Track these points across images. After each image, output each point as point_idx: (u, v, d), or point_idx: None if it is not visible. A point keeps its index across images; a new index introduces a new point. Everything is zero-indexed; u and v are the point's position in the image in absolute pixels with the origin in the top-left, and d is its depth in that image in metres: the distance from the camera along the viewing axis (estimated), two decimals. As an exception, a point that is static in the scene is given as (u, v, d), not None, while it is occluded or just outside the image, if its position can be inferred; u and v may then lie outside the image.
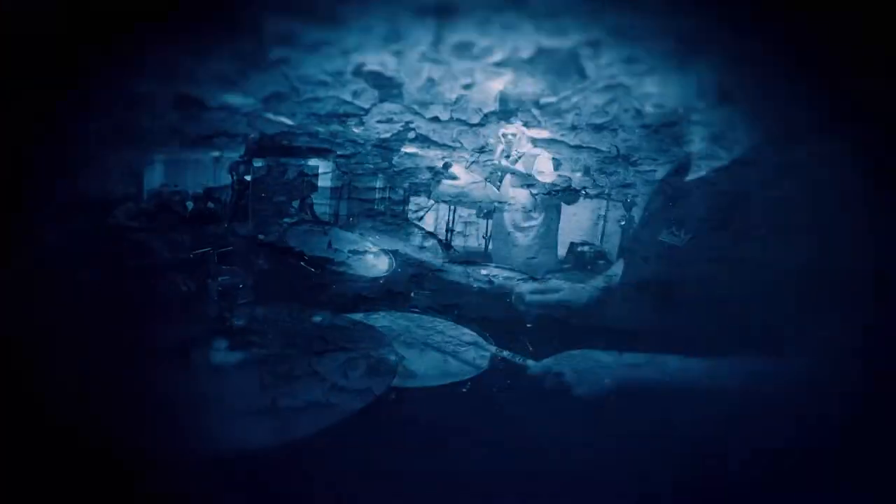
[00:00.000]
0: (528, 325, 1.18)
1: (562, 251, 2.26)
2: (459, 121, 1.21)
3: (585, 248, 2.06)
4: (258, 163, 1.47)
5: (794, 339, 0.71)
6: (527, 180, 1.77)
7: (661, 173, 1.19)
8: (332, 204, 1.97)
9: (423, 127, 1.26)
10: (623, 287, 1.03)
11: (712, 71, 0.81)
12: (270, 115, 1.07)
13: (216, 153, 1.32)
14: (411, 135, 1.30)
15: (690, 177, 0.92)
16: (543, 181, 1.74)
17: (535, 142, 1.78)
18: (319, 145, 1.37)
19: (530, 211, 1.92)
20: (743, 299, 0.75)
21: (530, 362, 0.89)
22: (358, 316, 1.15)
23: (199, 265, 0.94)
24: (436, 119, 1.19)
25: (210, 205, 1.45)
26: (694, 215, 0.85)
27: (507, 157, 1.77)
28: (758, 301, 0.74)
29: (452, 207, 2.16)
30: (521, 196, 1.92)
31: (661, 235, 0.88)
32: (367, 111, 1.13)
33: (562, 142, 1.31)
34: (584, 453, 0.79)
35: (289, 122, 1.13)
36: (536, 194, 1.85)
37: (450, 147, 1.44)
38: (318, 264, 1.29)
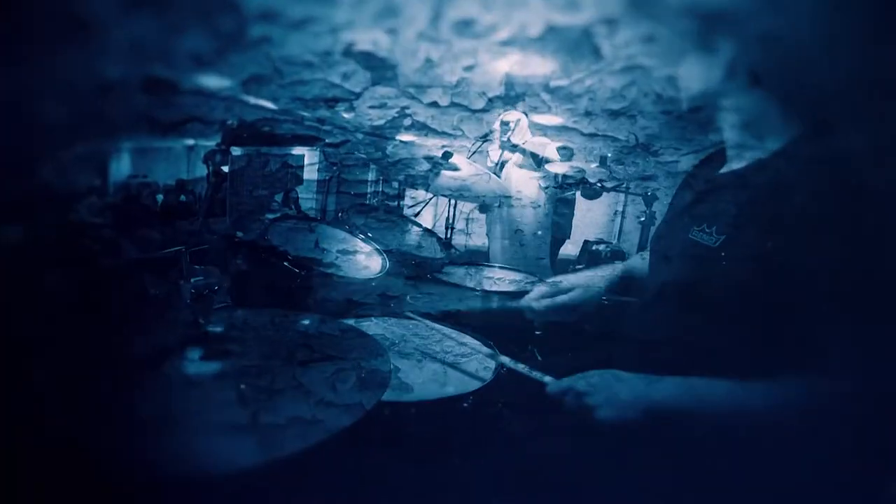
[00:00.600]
0: (538, 332, 1.18)
1: (574, 250, 2.27)
2: (461, 106, 1.21)
3: (601, 247, 2.06)
4: (237, 152, 1.47)
5: (843, 354, 0.70)
6: (536, 161, 1.76)
7: (684, 164, 1.19)
8: (318, 198, 1.97)
9: (421, 113, 1.26)
10: (648, 290, 1.03)
11: (742, 51, 0.81)
12: (250, 100, 1.07)
13: (190, 141, 1.33)
14: (407, 121, 1.30)
15: (725, 169, 0.92)
16: (554, 172, 1.74)
17: (544, 129, 1.78)
18: (305, 133, 1.37)
19: (538, 206, 1.92)
20: (784, 306, 0.75)
21: (548, 379, 0.88)
22: (348, 322, 1.15)
23: (170, 265, 0.94)
24: (434, 104, 1.19)
25: (183, 198, 1.45)
26: (725, 211, 0.85)
27: (506, 143, 1.76)
28: (801, 309, 0.74)
29: (453, 202, 2.16)
30: (528, 189, 1.92)
31: (691, 233, 0.88)
32: (358, 95, 1.13)
33: (574, 129, 1.31)
34: (598, 478, 0.79)
35: (271, 106, 1.13)
36: (546, 188, 1.85)
37: (450, 135, 1.44)
38: (303, 265, 1.29)
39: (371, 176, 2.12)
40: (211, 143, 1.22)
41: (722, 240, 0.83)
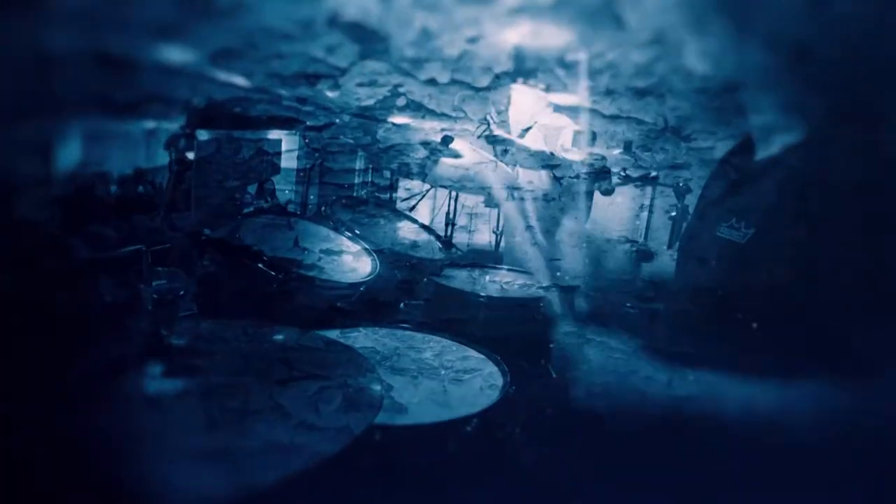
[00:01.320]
0: (551, 346, 1.18)
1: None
2: (463, 84, 1.21)
3: (625, 247, 2.07)
4: (204, 136, 1.47)
5: (886, 358, 0.72)
6: (548, 160, 1.77)
7: (721, 151, 1.20)
8: (298, 190, 1.97)
9: (416, 92, 1.26)
10: (675, 296, 1.05)
11: (785, 22, 0.81)
12: (220, 76, 1.07)
13: (150, 124, 1.32)
14: (401, 101, 1.30)
15: (758, 156, 0.92)
16: (570, 160, 1.74)
17: (559, 109, 1.78)
18: (283, 114, 1.37)
19: (553, 199, 1.92)
20: (825, 309, 0.76)
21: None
22: (333, 334, 1.15)
23: (128, 267, 0.95)
24: (432, 81, 1.19)
25: (142, 189, 1.45)
26: (761, 204, 0.86)
27: (488, 129, 1.74)
28: (842, 311, 0.75)
29: (454, 194, 2.17)
30: (540, 180, 1.92)
31: (718, 230, 0.89)
32: (344, 71, 1.13)
33: (594, 110, 1.32)
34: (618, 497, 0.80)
35: (244, 84, 1.14)
36: (561, 178, 1.85)
37: (450, 117, 1.44)
38: (281, 267, 1.29)
39: (359, 164, 2.12)
40: (174, 126, 1.22)
41: (750, 235, 0.84)
